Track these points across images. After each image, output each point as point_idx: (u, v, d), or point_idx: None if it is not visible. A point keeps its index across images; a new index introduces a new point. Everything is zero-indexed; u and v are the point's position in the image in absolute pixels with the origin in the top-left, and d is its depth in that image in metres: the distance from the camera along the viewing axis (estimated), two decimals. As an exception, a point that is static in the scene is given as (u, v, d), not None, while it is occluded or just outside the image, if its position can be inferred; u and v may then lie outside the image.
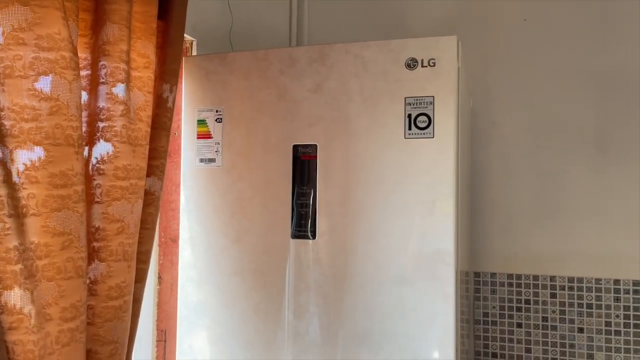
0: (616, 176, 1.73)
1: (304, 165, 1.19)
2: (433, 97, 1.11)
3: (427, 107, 1.11)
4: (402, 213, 1.13)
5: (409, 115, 1.13)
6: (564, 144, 1.79)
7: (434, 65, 1.11)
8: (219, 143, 1.26)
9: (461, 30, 1.90)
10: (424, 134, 1.11)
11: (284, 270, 1.20)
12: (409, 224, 1.12)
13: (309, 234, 1.18)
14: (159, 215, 1.14)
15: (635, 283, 1.70)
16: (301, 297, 1.18)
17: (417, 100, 1.12)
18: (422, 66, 1.12)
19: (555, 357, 1.76)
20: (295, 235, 1.19)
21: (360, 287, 1.15)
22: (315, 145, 1.19)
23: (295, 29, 1.98)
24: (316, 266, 1.18)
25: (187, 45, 1.44)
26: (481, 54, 1.88)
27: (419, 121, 1.12)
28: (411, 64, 1.13)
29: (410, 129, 1.12)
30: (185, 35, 1.42)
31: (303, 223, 1.19)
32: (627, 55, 1.74)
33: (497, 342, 1.82)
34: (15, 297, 0.79)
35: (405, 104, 1.13)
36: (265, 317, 1.21)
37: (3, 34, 0.81)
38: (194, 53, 1.45)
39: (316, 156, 1.18)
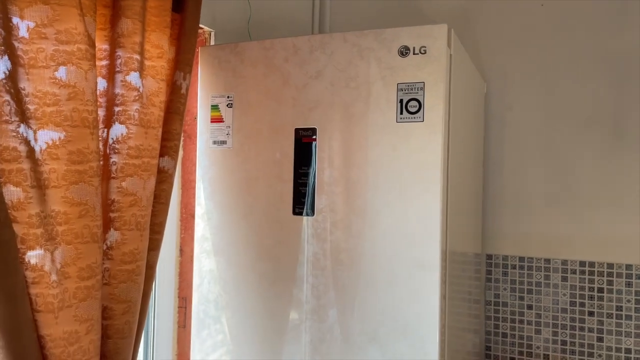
0: (630, 161, 1.73)
1: (304, 147, 1.28)
2: (423, 83, 1.17)
3: (417, 93, 1.18)
4: (393, 192, 1.20)
5: (401, 101, 1.19)
6: (578, 128, 1.80)
7: (424, 53, 1.18)
8: (229, 127, 1.37)
9: (478, 17, 1.93)
10: (414, 118, 1.18)
11: (285, 244, 1.30)
12: (399, 203, 1.20)
13: (309, 211, 1.28)
14: (172, 191, 1.26)
15: (647, 268, 1.70)
16: (301, 268, 1.28)
17: (408, 86, 1.19)
18: (414, 53, 1.18)
19: (565, 339, 1.79)
20: (296, 212, 1.29)
21: (354, 261, 1.23)
22: (315, 129, 1.27)
23: (318, 18, 2.06)
24: (314, 240, 1.27)
25: (206, 36, 1.55)
26: (498, 40, 1.91)
27: (410, 106, 1.18)
28: (404, 52, 1.19)
29: (401, 113, 1.19)
30: (203, 26, 1.54)
31: (303, 201, 1.28)
32: (645, 40, 1.73)
33: (507, 322, 1.87)
34: (37, 256, 0.93)
35: (398, 90, 1.20)
36: (269, 286, 1.32)
37: (28, 29, 0.94)
38: (212, 43, 1.56)
39: (315, 139, 1.27)
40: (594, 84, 1.79)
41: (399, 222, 1.20)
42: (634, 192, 1.73)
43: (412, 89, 1.18)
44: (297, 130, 1.29)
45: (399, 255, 1.20)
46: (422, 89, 1.17)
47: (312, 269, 1.27)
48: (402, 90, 1.19)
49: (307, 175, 1.28)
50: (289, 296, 1.30)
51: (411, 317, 1.19)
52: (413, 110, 1.18)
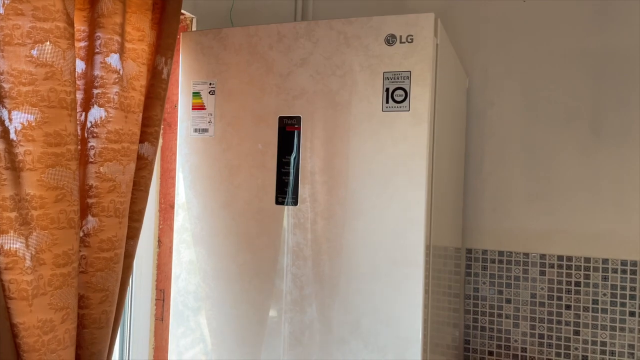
0: (608, 157, 1.76)
1: (288, 136, 1.26)
2: (410, 72, 1.17)
3: (403, 82, 1.17)
4: (377, 183, 1.19)
5: (387, 89, 1.18)
6: (558, 124, 1.82)
7: (411, 42, 1.17)
8: (211, 114, 1.34)
9: (461, 12, 1.93)
10: (400, 107, 1.17)
11: (267, 234, 1.28)
12: (383, 194, 1.18)
13: (291, 200, 1.26)
14: (151, 179, 1.23)
15: (623, 263, 1.72)
16: (283, 259, 1.26)
17: (394, 74, 1.18)
18: (401, 42, 1.17)
19: (543, 332, 1.81)
20: (278, 202, 1.27)
21: (337, 251, 1.22)
22: (299, 117, 1.26)
23: (301, 7, 2.03)
24: (297, 230, 1.25)
25: (188, 22, 1.52)
26: (480, 36, 1.91)
27: (395, 95, 1.17)
28: (390, 40, 1.18)
29: (387, 102, 1.18)
30: (185, 12, 1.50)
31: (286, 190, 1.26)
32: (624, 37, 1.75)
33: (486, 316, 1.88)
34: (11, 240, 0.89)
35: (384, 79, 1.19)
36: (250, 277, 1.29)
37: (3, 5, 0.90)
38: (194, 29, 1.52)
39: (300, 127, 1.25)
40: (573, 82, 1.81)
41: (383, 214, 1.19)
42: (611, 188, 1.75)
43: (398, 78, 1.17)
44: (281, 119, 1.27)
45: (383, 247, 1.19)
46: (409, 77, 1.17)
47: (294, 259, 1.25)
48: (388, 79, 1.18)
49: (290, 164, 1.26)
50: (270, 287, 1.28)
51: (394, 310, 1.18)
52: (399, 99, 1.17)
